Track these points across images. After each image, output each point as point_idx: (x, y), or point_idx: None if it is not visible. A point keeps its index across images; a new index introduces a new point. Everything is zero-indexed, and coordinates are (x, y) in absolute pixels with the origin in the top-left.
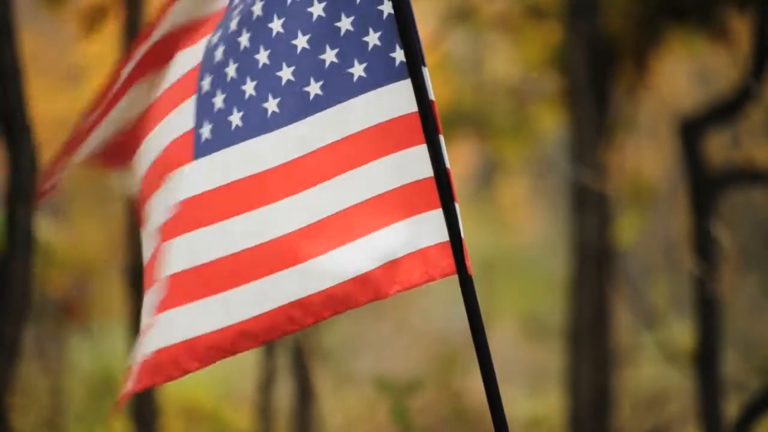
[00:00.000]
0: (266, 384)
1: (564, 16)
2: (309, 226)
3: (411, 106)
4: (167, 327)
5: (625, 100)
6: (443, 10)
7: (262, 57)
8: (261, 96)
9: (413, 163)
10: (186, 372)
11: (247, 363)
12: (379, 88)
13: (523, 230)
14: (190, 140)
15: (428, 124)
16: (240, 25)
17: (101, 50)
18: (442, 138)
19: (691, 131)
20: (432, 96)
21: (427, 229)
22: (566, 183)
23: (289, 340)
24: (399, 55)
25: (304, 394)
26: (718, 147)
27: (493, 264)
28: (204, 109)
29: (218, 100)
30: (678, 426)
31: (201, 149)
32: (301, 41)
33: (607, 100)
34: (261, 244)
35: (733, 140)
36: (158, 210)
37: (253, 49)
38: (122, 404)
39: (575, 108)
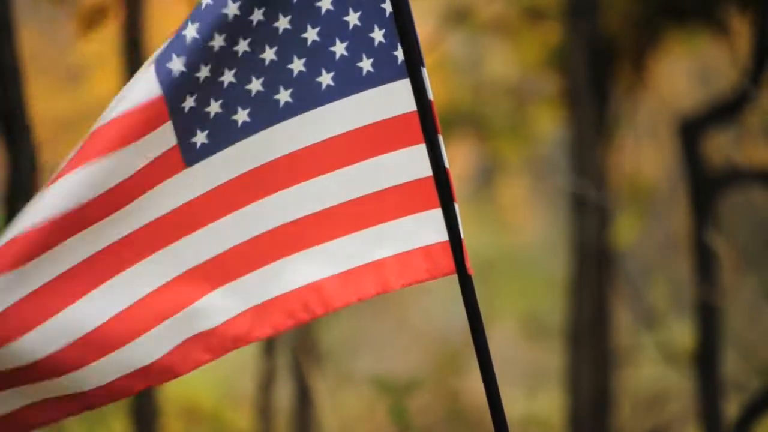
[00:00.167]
0: (266, 384)
1: (564, 16)
2: (315, 213)
3: (412, 105)
4: (195, 317)
5: (625, 100)
6: (441, 11)
7: (269, 54)
8: (271, 89)
9: (415, 162)
10: (199, 364)
11: (247, 363)
12: (384, 85)
13: (523, 230)
14: (173, 156)
15: (427, 123)
16: (231, 38)
17: (101, 50)
18: (440, 138)
19: (691, 131)
20: (431, 96)
21: (427, 227)
22: (566, 183)
23: (288, 340)
24: (401, 54)
25: (304, 394)
26: (718, 147)
27: (493, 264)
28: (191, 122)
29: (214, 107)
30: (678, 426)
31: (196, 155)
32: (311, 34)
33: (606, 100)
34: (264, 233)
35: (734, 140)
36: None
37: (256, 50)
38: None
39: (575, 108)
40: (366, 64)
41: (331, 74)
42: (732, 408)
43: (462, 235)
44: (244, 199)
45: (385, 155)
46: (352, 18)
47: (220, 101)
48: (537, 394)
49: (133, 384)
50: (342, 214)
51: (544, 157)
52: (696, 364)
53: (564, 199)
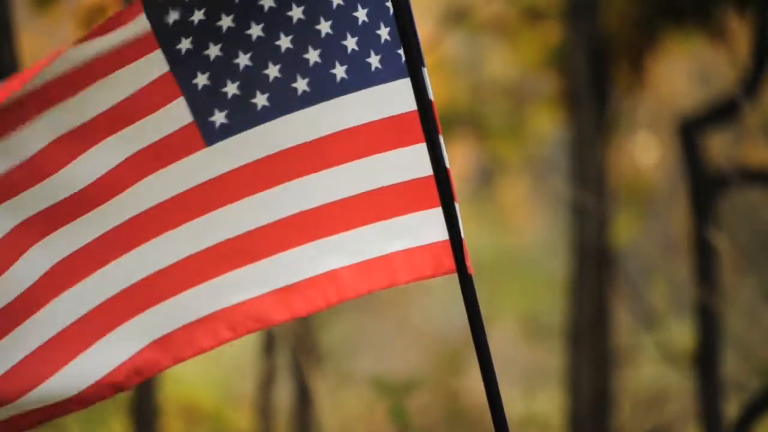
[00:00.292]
0: (266, 384)
1: (563, 16)
2: (329, 204)
3: (414, 104)
4: (215, 293)
5: (624, 100)
6: (441, 11)
7: (284, 42)
8: (288, 77)
9: (418, 160)
10: (217, 344)
11: (247, 363)
12: (392, 81)
13: (523, 230)
14: (190, 133)
15: (427, 123)
16: (242, 21)
17: None
18: (440, 138)
19: (691, 131)
20: (431, 96)
21: (433, 225)
22: (566, 184)
23: (288, 340)
24: (403, 53)
25: (304, 394)
26: (718, 147)
27: (493, 264)
28: (208, 101)
29: (231, 89)
30: (678, 426)
31: (216, 135)
32: (325, 26)
33: (606, 100)
34: (280, 219)
35: (734, 140)
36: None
37: (271, 36)
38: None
39: (575, 108)
40: (374, 60)
41: (344, 67)
42: (732, 408)
43: (463, 235)
44: (262, 183)
45: (395, 150)
46: (361, 14)
47: (237, 83)
48: (537, 394)
49: (157, 358)
50: (355, 205)
51: (544, 157)
52: (696, 364)
53: (564, 198)
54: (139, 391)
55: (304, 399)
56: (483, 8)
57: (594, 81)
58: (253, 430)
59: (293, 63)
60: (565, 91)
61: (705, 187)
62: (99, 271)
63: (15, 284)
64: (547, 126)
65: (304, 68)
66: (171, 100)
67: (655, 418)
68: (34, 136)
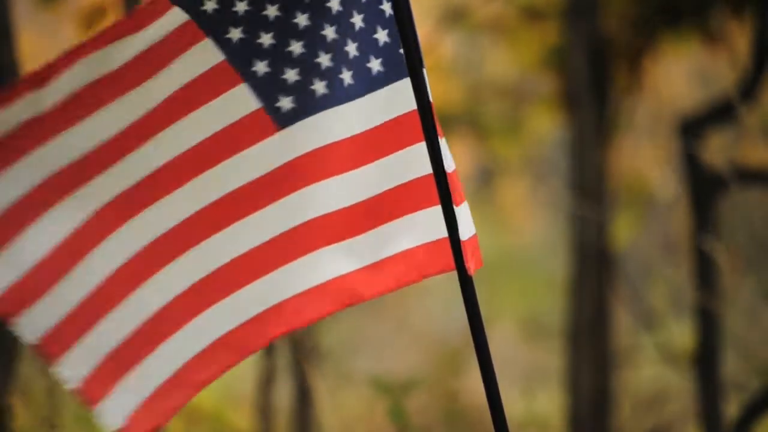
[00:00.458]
0: (266, 384)
1: (562, 16)
2: (354, 204)
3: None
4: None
5: (624, 101)
6: (439, 11)
7: (329, 33)
8: (337, 68)
9: (421, 158)
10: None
11: (247, 363)
12: (396, 82)
13: (523, 230)
14: (260, 119)
15: (427, 124)
16: (287, 9)
17: None
18: (443, 138)
19: (691, 131)
20: (430, 97)
21: (433, 223)
22: (566, 184)
23: (288, 340)
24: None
25: (304, 394)
26: (717, 148)
27: (493, 264)
28: (271, 88)
29: (291, 75)
30: (678, 426)
31: (286, 118)
32: (329, 32)
33: (605, 101)
34: (331, 212)
35: (733, 140)
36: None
37: (317, 26)
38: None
39: (575, 108)
40: (375, 64)
41: (350, 73)
42: (732, 408)
43: (464, 235)
44: (322, 172)
45: (403, 150)
46: (357, 20)
47: (297, 69)
48: (537, 394)
49: (219, 358)
50: (375, 205)
51: (544, 157)
52: (696, 364)
53: (564, 199)
54: None
55: (304, 399)
56: (482, 8)
57: (593, 81)
58: (253, 430)
59: (338, 55)
60: (564, 92)
61: (704, 188)
62: (172, 263)
63: (100, 268)
64: (547, 126)
65: (318, 72)
66: (231, 87)
67: (655, 418)
68: (93, 132)
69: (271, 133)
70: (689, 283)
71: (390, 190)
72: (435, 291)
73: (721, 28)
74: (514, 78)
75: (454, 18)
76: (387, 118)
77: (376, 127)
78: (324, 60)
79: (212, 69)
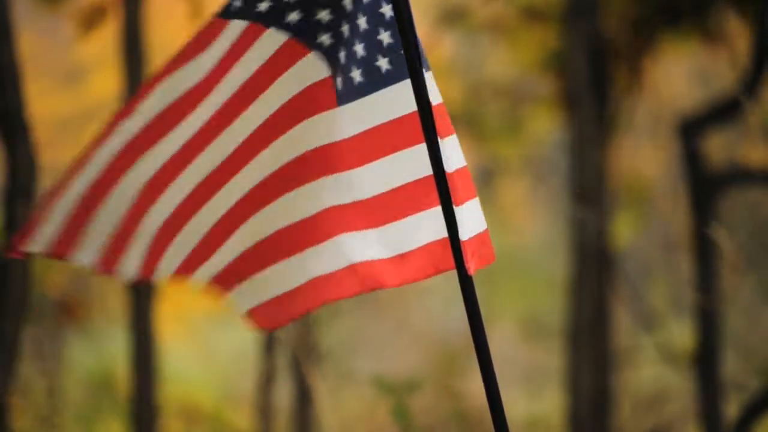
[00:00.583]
0: (266, 384)
1: (562, 16)
2: (384, 193)
3: (436, 98)
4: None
5: (624, 101)
6: (439, 12)
7: (362, 23)
8: (371, 57)
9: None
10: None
11: (247, 363)
12: (405, 80)
13: (523, 230)
14: (326, 89)
15: (427, 124)
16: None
17: (100, 50)
18: (455, 136)
19: (691, 131)
20: (434, 97)
21: (438, 222)
22: (566, 184)
23: (288, 340)
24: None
25: (304, 394)
26: (718, 147)
27: (493, 264)
28: (342, 59)
29: (359, 49)
30: (678, 426)
31: (352, 93)
32: (345, 29)
33: (605, 101)
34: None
35: (734, 140)
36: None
37: (354, 14)
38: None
39: (575, 108)
40: (383, 63)
41: (359, 71)
42: (732, 408)
43: (474, 232)
44: (379, 151)
45: (409, 149)
46: (362, 21)
47: (362, 44)
48: (537, 394)
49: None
50: (399, 196)
51: (544, 157)
52: (696, 364)
53: (564, 199)
54: (139, 391)
55: (304, 399)
56: (481, 8)
57: (593, 81)
58: (253, 430)
59: (371, 43)
60: (563, 92)
61: (704, 187)
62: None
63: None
64: (547, 126)
65: (381, 48)
66: (301, 57)
67: (655, 418)
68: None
69: (332, 107)
70: (689, 283)
71: (413, 182)
72: (435, 291)
73: (721, 28)
74: (513, 78)
75: (453, 18)
76: (402, 114)
77: (405, 115)
78: (385, 36)
79: (279, 49)
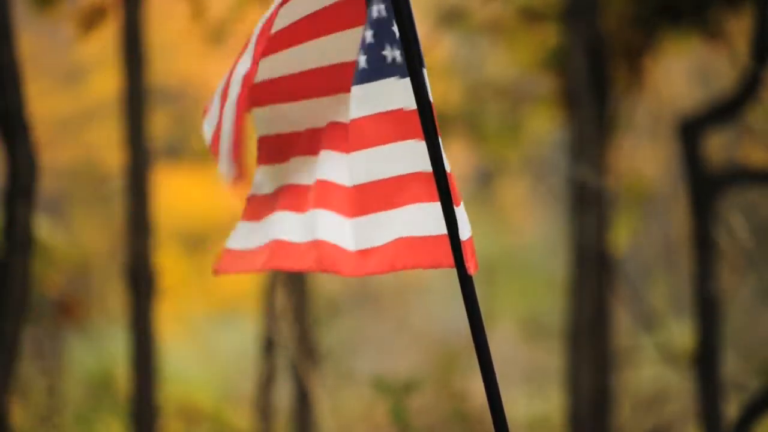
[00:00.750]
0: (266, 384)
1: (561, 16)
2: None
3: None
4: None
5: (624, 101)
6: (438, 12)
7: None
8: (379, 44)
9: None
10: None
11: (247, 363)
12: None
13: (523, 231)
14: (349, 70)
15: (427, 124)
16: None
17: (100, 50)
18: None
19: (691, 131)
20: (430, 97)
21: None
22: (566, 183)
23: (288, 340)
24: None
25: (304, 394)
26: (718, 147)
27: (493, 264)
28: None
29: (368, 35)
30: (678, 426)
31: (356, 77)
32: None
33: (605, 101)
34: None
35: (734, 140)
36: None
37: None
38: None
39: (575, 108)
40: (390, 53)
41: (364, 57)
42: (732, 408)
43: (463, 236)
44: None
45: (410, 141)
46: (377, 8)
47: (372, 31)
48: (537, 394)
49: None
50: (384, 189)
51: (543, 157)
52: (696, 364)
53: (564, 199)
54: (139, 391)
55: (303, 399)
56: (480, 9)
57: (593, 81)
58: (253, 430)
59: (382, 32)
60: (563, 92)
61: (704, 187)
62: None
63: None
64: (546, 126)
65: (393, 39)
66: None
67: (655, 418)
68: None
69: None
70: (689, 283)
71: (396, 177)
72: (435, 291)
73: (721, 27)
74: (513, 78)
75: (452, 19)
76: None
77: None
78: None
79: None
